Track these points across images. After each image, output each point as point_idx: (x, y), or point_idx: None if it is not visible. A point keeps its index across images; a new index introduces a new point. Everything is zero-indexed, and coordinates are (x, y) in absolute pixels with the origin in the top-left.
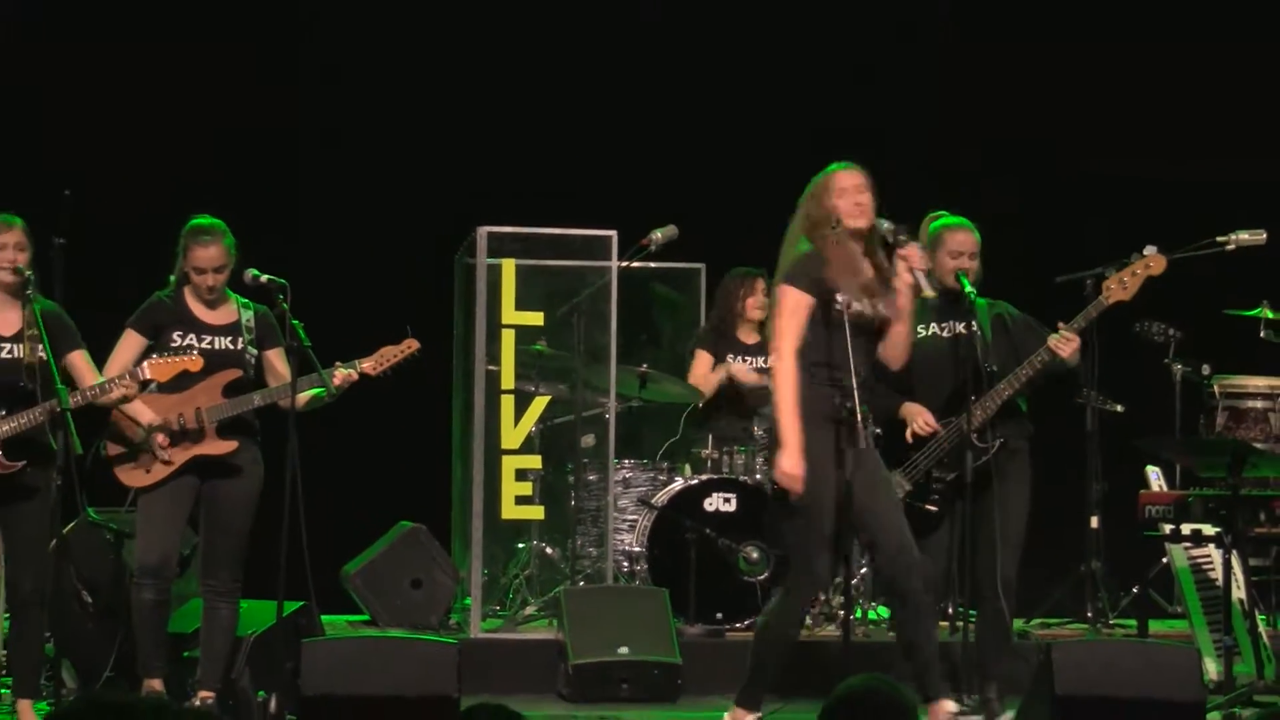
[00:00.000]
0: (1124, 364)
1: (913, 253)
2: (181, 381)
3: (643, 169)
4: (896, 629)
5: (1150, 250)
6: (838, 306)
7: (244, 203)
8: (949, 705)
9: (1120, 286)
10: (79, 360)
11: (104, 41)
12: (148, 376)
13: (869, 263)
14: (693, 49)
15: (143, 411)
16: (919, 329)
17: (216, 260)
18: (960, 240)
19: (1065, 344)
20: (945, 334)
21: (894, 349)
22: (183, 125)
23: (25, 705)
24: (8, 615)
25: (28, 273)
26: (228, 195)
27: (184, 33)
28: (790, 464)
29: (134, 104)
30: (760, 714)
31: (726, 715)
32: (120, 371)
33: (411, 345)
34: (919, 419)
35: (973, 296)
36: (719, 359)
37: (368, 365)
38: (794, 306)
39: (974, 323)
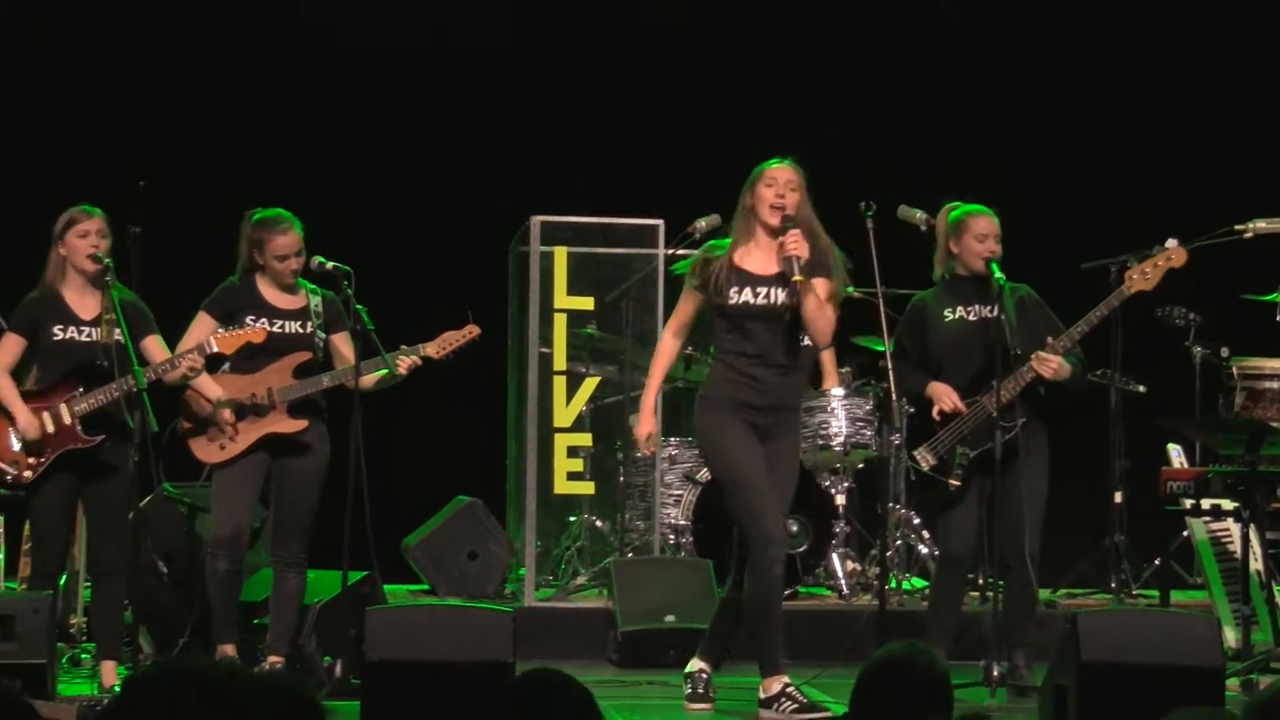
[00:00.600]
0: (1146, 347)
1: (789, 239)
2: (254, 363)
3: (688, 162)
4: (745, 598)
5: (1172, 243)
6: (731, 300)
7: (308, 194)
8: (779, 680)
9: (1142, 277)
10: (153, 344)
11: (171, 37)
12: (215, 349)
13: (778, 255)
14: (732, 47)
15: (210, 387)
16: (946, 313)
17: (296, 245)
18: (983, 225)
19: (1043, 364)
20: (972, 317)
21: (807, 329)
22: (247, 117)
23: (108, 666)
24: (89, 584)
25: (107, 260)
26: (293, 187)
27: (248, 27)
28: (638, 427)
29: (200, 99)
30: (783, 673)
31: (760, 686)
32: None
33: (472, 330)
34: (945, 399)
35: (1001, 283)
36: None
37: (431, 349)
38: (682, 301)
39: (998, 307)
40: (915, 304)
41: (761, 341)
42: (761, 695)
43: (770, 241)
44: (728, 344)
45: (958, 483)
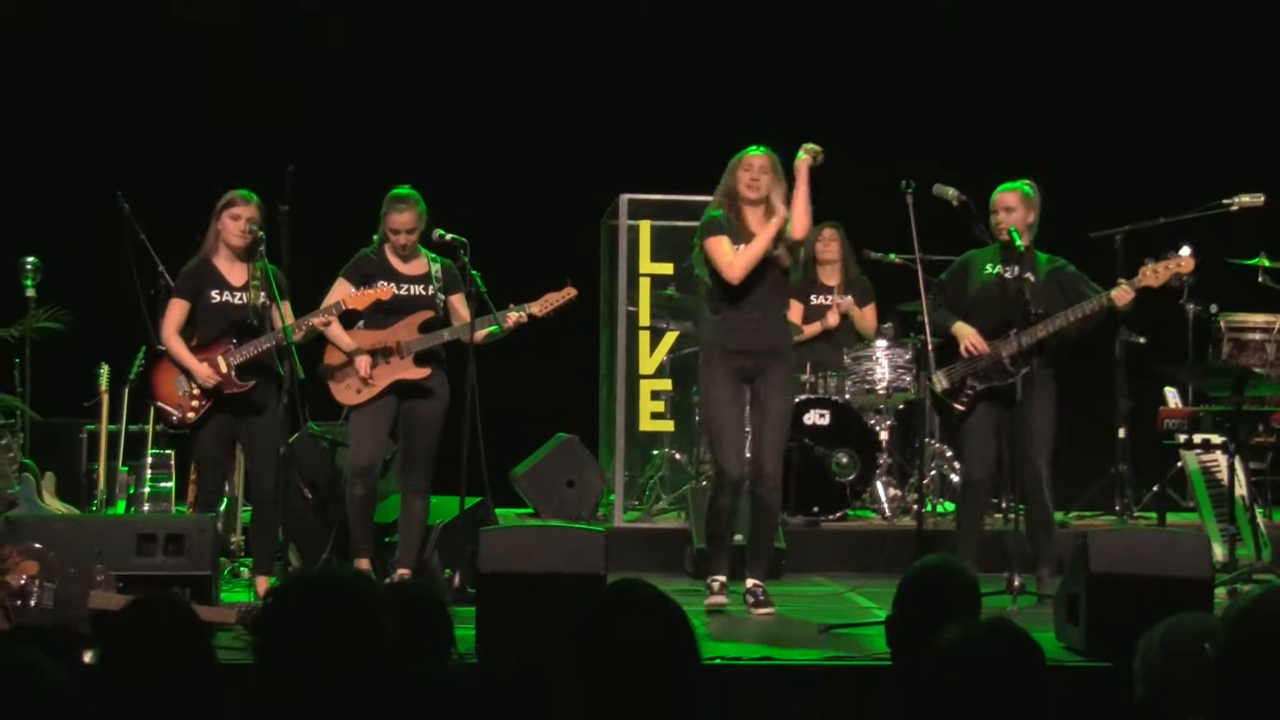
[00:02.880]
0: (1146, 304)
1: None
2: (386, 320)
3: (758, 142)
4: (750, 522)
5: (1185, 251)
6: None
7: (435, 175)
8: (750, 582)
9: (1153, 274)
10: (284, 308)
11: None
12: (348, 307)
13: (759, 224)
14: (795, 48)
15: (343, 339)
16: (987, 267)
17: (410, 223)
18: (999, 199)
19: (1124, 294)
20: (1007, 274)
21: (792, 229)
22: (380, 110)
23: (262, 580)
24: (247, 509)
25: (259, 232)
26: (424, 169)
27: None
28: None
29: (343, 91)
30: (721, 575)
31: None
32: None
33: (570, 292)
34: (969, 338)
35: (1018, 246)
36: (806, 303)
37: (535, 308)
38: (721, 244)
39: (1017, 268)
40: (966, 256)
41: (742, 290)
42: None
43: (750, 214)
44: (717, 297)
45: (962, 408)
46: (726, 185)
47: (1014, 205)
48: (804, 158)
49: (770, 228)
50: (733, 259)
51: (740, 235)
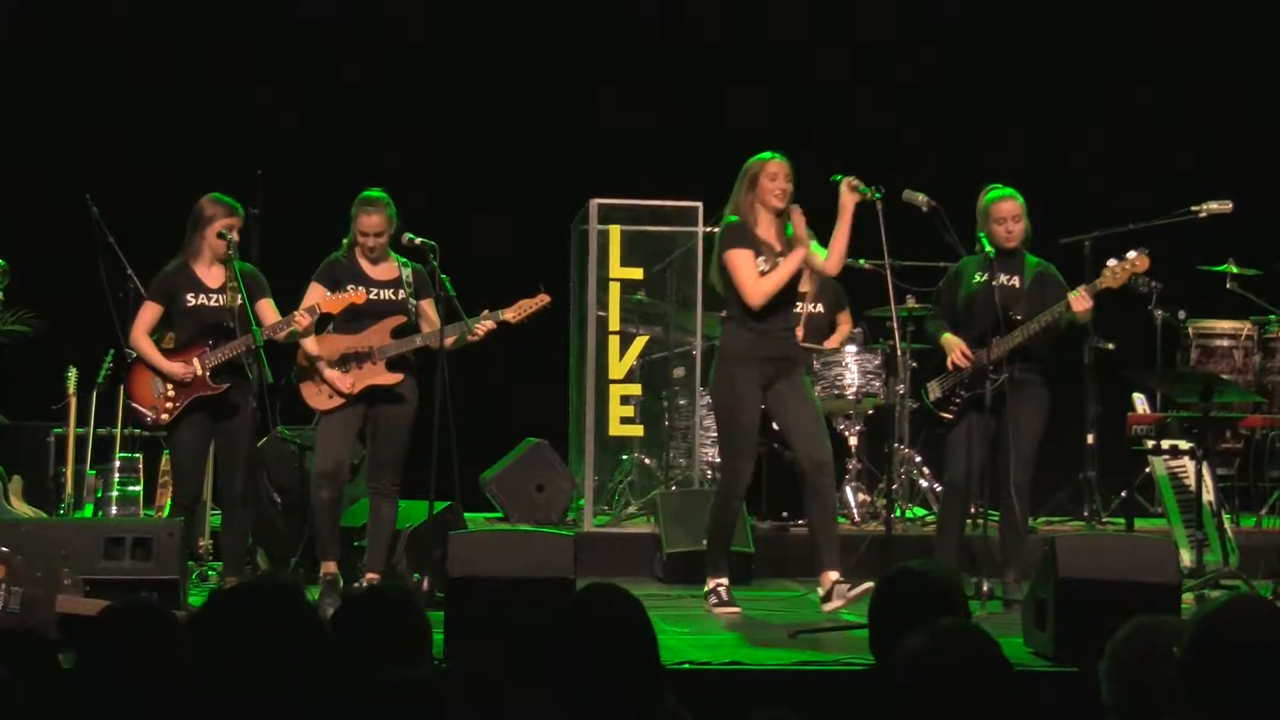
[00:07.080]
0: (1115, 310)
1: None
2: (357, 325)
3: (725, 149)
4: (806, 511)
5: (1143, 251)
6: (762, 269)
7: (405, 178)
8: (833, 575)
9: (1112, 275)
10: (266, 307)
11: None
12: (322, 310)
13: (779, 233)
14: (754, 59)
15: (310, 346)
16: (976, 276)
17: (378, 226)
18: (1002, 208)
19: (1080, 301)
20: (992, 281)
21: (825, 263)
22: (350, 113)
23: (232, 582)
24: (215, 512)
25: (231, 236)
26: (394, 172)
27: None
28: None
29: (316, 96)
30: (725, 577)
31: (709, 583)
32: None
33: (544, 298)
34: (956, 350)
35: (989, 253)
36: None
37: (509, 314)
38: (748, 261)
39: (1002, 276)
40: (959, 264)
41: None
42: (705, 590)
43: (770, 222)
44: (739, 306)
45: (949, 417)
46: (746, 193)
47: (1020, 213)
48: (854, 195)
49: (793, 260)
50: (759, 283)
51: (759, 245)
